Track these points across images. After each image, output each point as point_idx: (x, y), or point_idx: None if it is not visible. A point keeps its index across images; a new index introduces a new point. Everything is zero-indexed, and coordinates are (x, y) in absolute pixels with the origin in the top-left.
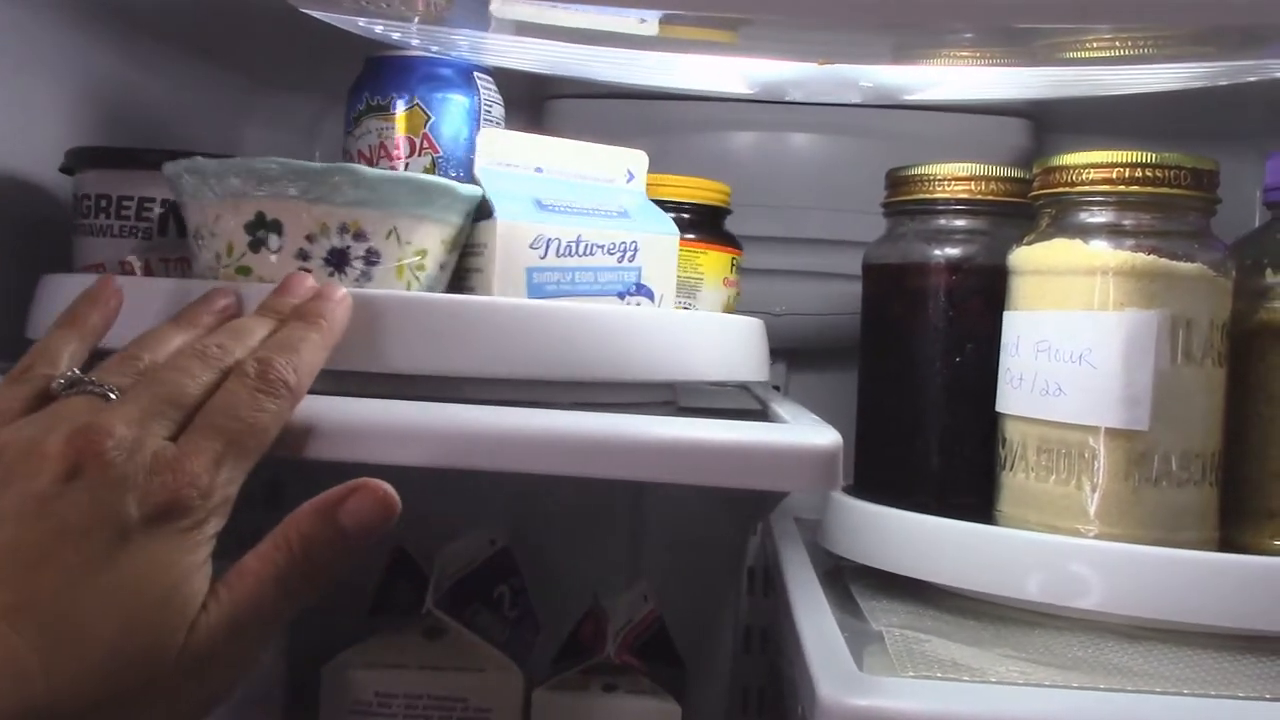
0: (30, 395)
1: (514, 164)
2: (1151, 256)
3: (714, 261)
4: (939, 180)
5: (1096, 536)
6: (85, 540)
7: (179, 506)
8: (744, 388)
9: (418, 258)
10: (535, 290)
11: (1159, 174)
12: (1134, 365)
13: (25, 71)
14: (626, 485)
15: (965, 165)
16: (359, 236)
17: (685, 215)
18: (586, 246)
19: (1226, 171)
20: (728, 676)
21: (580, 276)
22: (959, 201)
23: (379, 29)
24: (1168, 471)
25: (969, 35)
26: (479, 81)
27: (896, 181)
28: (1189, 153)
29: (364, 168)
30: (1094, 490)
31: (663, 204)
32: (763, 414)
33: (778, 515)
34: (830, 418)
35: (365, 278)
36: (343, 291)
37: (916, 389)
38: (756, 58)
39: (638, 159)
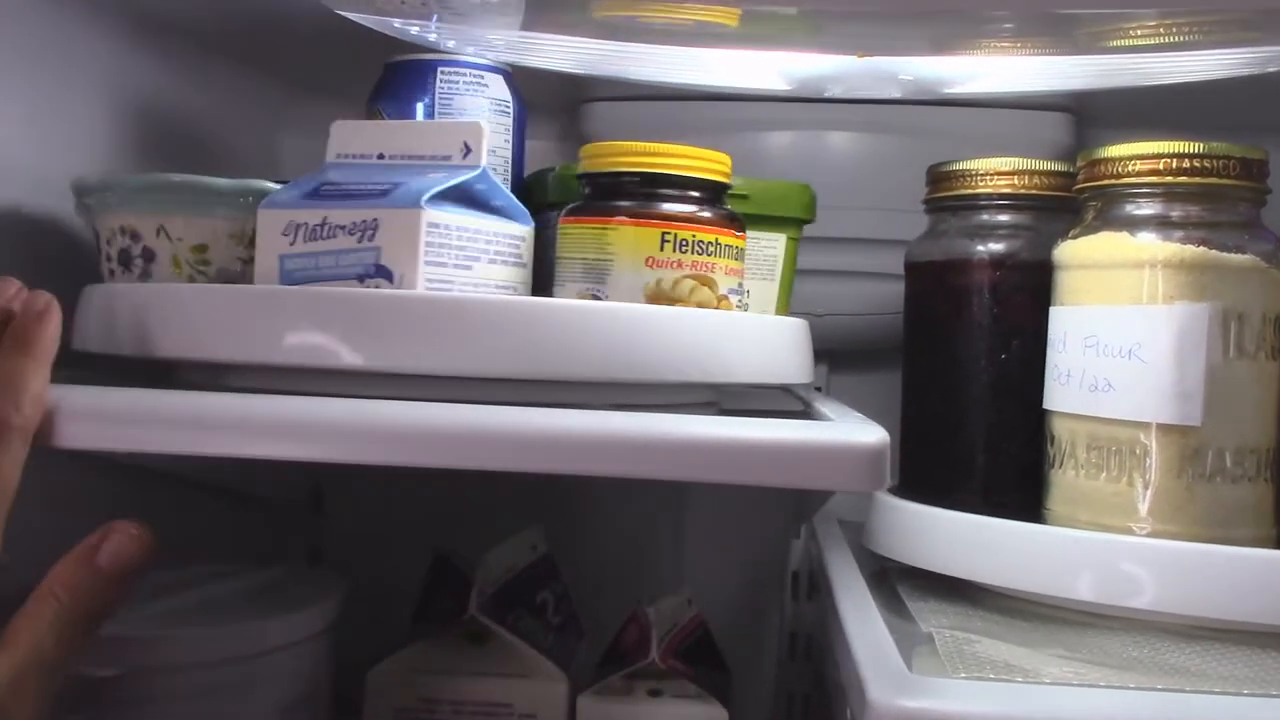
0: None
1: (360, 154)
2: (1201, 248)
3: (628, 238)
4: (981, 175)
5: (1149, 535)
6: None
7: None
8: (785, 389)
9: (195, 253)
10: (287, 277)
11: (1207, 164)
12: (1185, 359)
13: (65, 83)
14: (669, 490)
15: (1007, 160)
16: (134, 236)
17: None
18: (329, 229)
19: (1276, 163)
20: (773, 682)
21: (324, 261)
22: (1002, 196)
23: (414, 30)
24: (1221, 468)
25: (1010, 25)
26: (498, 81)
27: (938, 178)
28: (1237, 143)
29: (130, 177)
30: (1146, 487)
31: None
32: (805, 414)
33: (821, 518)
34: (873, 418)
35: (146, 274)
36: (46, 297)
37: (961, 387)
38: (795, 51)
39: (474, 131)
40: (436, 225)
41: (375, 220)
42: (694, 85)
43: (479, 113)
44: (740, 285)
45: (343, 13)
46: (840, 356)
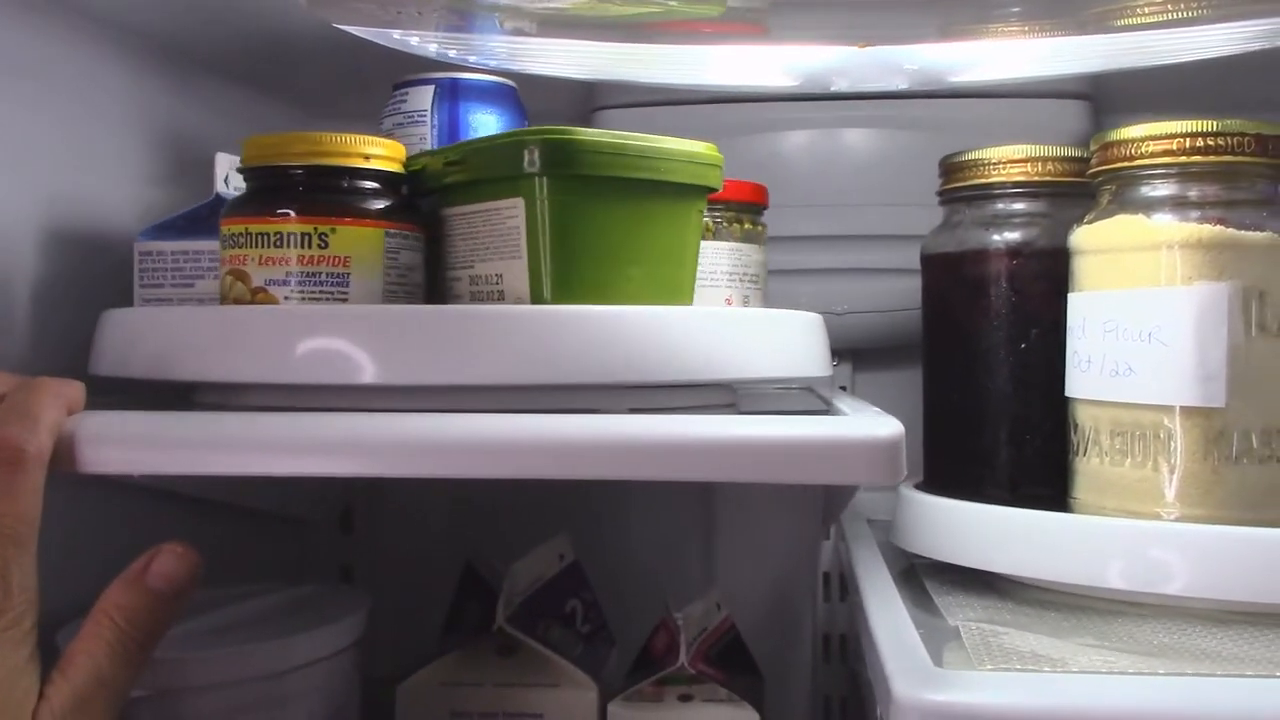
0: None
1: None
2: (1218, 227)
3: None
4: (994, 164)
5: (1177, 519)
6: None
7: None
8: (809, 389)
9: None
10: None
11: (1222, 142)
12: (1206, 340)
13: (84, 109)
14: (696, 496)
15: (1020, 147)
16: None
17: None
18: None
19: None
20: (808, 686)
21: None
22: (1015, 185)
23: (414, 40)
24: (1248, 449)
25: (1016, 8)
26: (504, 94)
27: (951, 168)
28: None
29: None
30: (1172, 472)
31: None
32: (825, 412)
33: (850, 518)
34: (898, 416)
35: None
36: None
37: (982, 379)
38: (796, 44)
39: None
40: (148, 253)
41: None
42: (701, 86)
43: (487, 130)
44: (299, 271)
45: (345, 27)
46: (864, 355)
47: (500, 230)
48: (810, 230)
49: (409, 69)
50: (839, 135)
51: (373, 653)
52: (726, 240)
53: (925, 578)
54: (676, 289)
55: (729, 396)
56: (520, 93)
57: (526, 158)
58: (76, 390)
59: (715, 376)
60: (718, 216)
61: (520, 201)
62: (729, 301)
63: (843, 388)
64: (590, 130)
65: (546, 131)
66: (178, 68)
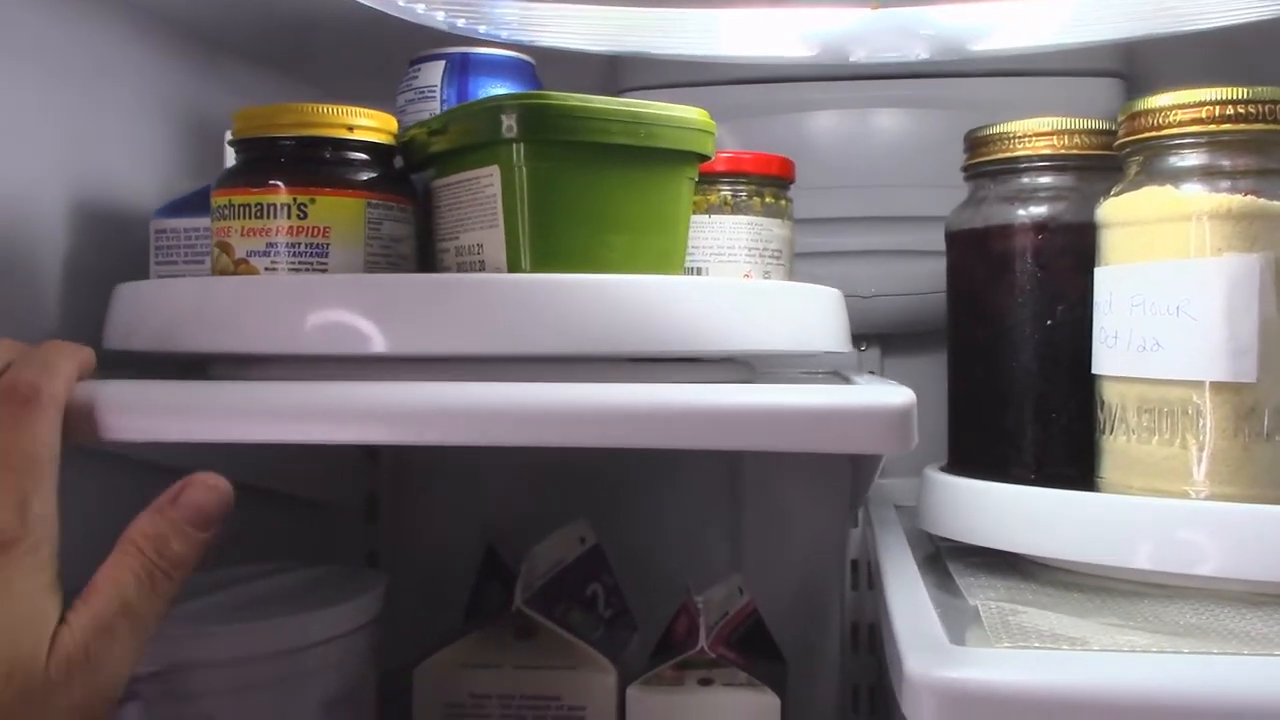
0: None
1: None
2: (1249, 198)
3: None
4: (1020, 138)
5: (1207, 498)
6: None
7: (4, 537)
8: (834, 372)
9: None
10: None
11: (1253, 110)
12: (1237, 314)
13: (105, 89)
14: (721, 479)
15: (1047, 120)
16: None
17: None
18: None
19: None
20: (836, 674)
21: None
22: (1042, 158)
23: (420, 9)
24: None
25: None
26: (517, 69)
27: (976, 143)
28: None
29: None
30: (1201, 449)
31: None
32: None
33: (877, 504)
34: (929, 400)
35: None
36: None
37: (1007, 357)
38: (808, 5)
39: None
40: (163, 231)
41: None
42: (716, 56)
43: None
44: (279, 243)
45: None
46: (893, 340)
47: (480, 199)
48: (837, 212)
49: (428, 47)
50: (867, 116)
51: (397, 639)
52: (746, 214)
53: (950, 561)
54: (664, 259)
55: (747, 373)
56: (541, 73)
57: (504, 123)
58: (88, 353)
59: (728, 348)
60: (739, 190)
61: (496, 169)
62: (748, 277)
63: (871, 372)
64: (569, 95)
65: (524, 96)
66: (198, 48)
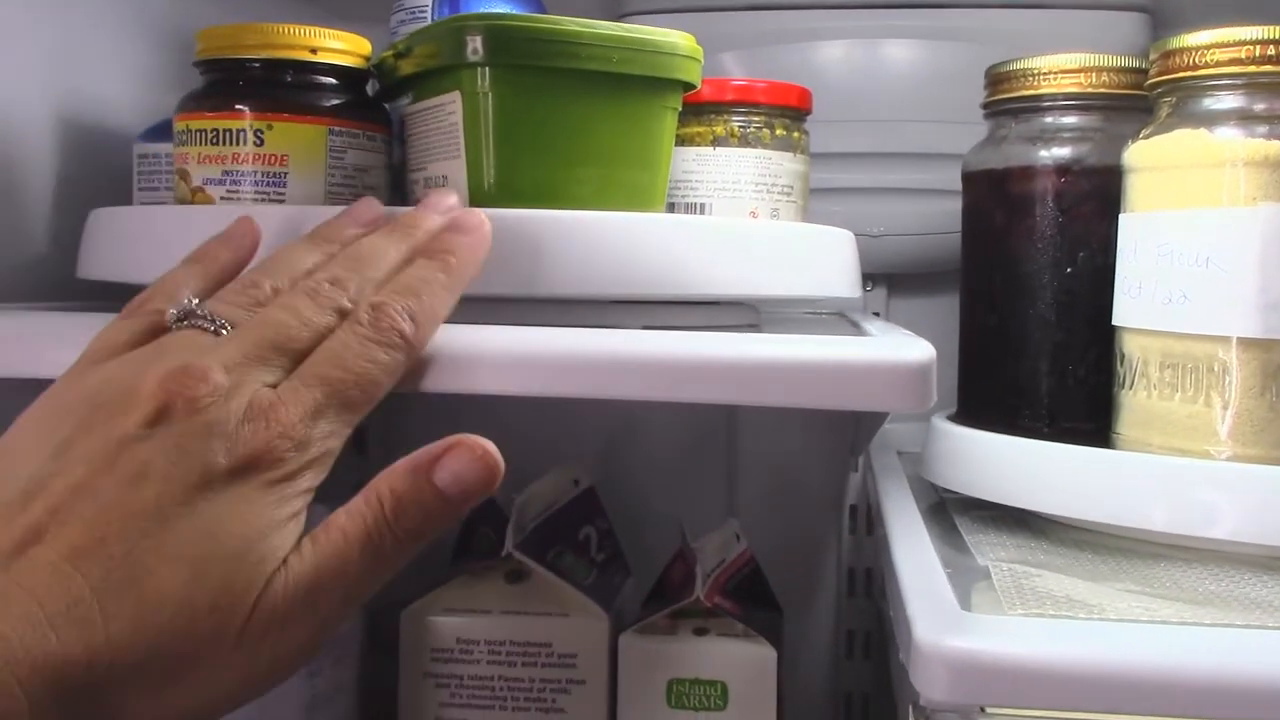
0: (142, 330)
1: None
2: None
3: None
4: (1044, 74)
5: (1229, 459)
6: (165, 485)
7: (269, 457)
8: (840, 315)
9: None
10: None
11: None
12: (1270, 266)
13: (85, 5)
14: (720, 422)
15: (1073, 56)
16: None
17: None
18: None
19: None
20: (832, 620)
21: None
22: (1067, 96)
23: None
24: None
25: None
26: None
27: (997, 79)
28: None
29: None
30: (1225, 408)
31: None
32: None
33: (879, 449)
34: (937, 344)
35: None
36: (479, 218)
37: (1024, 304)
38: None
39: None
40: (145, 156)
41: None
42: None
43: None
44: (235, 170)
45: None
46: (900, 280)
47: (444, 128)
48: (846, 147)
49: None
50: (878, 46)
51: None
52: (755, 148)
53: (955, 514)
54: (639, 195)
55: (752, 317)
56: None
57: (469, 45)
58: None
59: (731, 292)
60: (745, 121)
61: (458, 95)
62: (754, 215)
63: (876, 313)
64: (539, 15)
65: (490, 16)
66: None
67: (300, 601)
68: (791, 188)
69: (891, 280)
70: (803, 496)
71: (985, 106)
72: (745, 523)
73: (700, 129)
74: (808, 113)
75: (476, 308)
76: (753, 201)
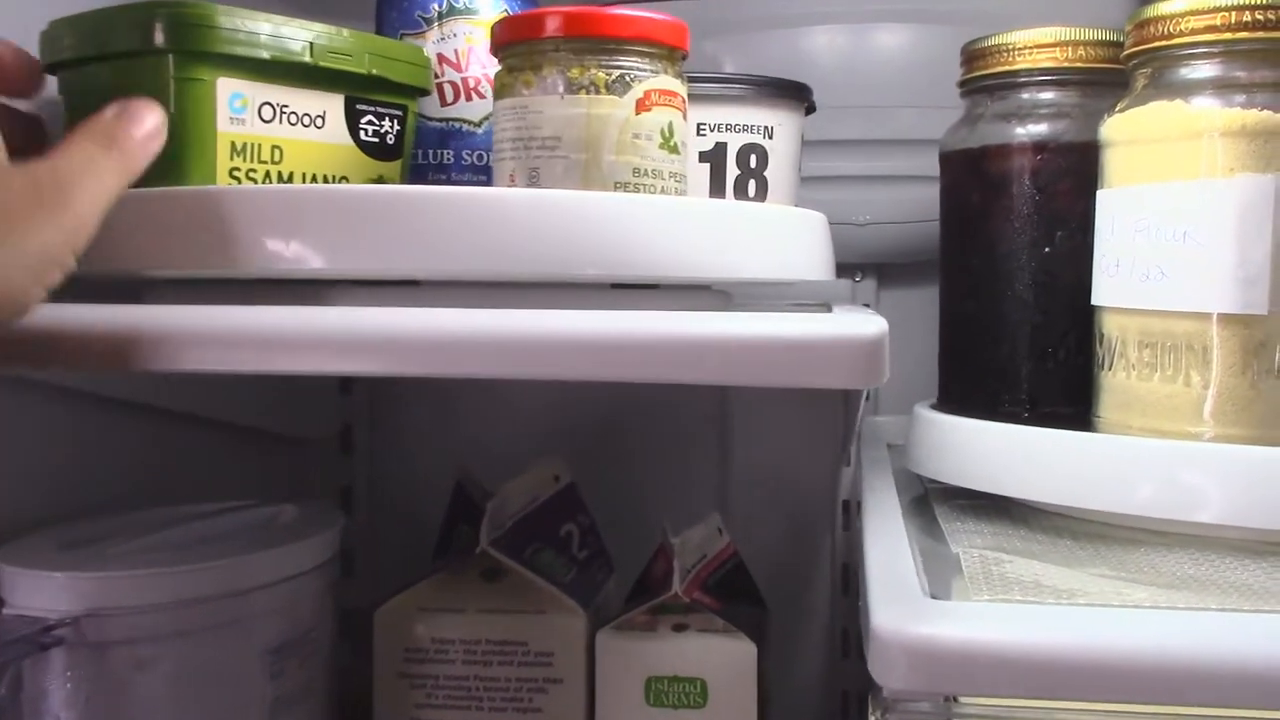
0: None
1: None
2: (1265, 113)
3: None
4: (1019, 50)
5: (1211, 439)
6: None
7: None
8: (825, 305)
9: None
10: None
11: (1272, 16)
12: (1248, 240)
13: None
14: (710, 412)
15: (1049, 30)
16: None
17: None
18: None
19: None
20: (825, 617)
21: None
22: (1043, 72)
23: None
24: None
25: None
26: None
27: (972, 56)
28: None
29: None
30: (1206, 387)
31: None
32: None
33: (869, 442)
34: (926, 333)
35: None
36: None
37: (1001, 286)
38: None
39: None
40: None
41: None
42: None
43: (495, 9)
44: None
45: None
46: (889, 271)
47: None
48: (832, 134)
49: None
50: (866, 31)
51: (374, 576)
52: (510, 96)
53: (937, 504)
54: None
55: (722, 303)
56: None
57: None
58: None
59: (697, 275)
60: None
61: None
62: (512, 179)
63: (866, 305)
64: None
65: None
66: None
67: (64, 170)
68: (559, 139)
69: (881, 271)
70: (795, 492)
71: (961, 85)
72: (736, 518)
73: (506, 79)
74: (621, 40)
75: (419, 291)
76: (511, 164)
